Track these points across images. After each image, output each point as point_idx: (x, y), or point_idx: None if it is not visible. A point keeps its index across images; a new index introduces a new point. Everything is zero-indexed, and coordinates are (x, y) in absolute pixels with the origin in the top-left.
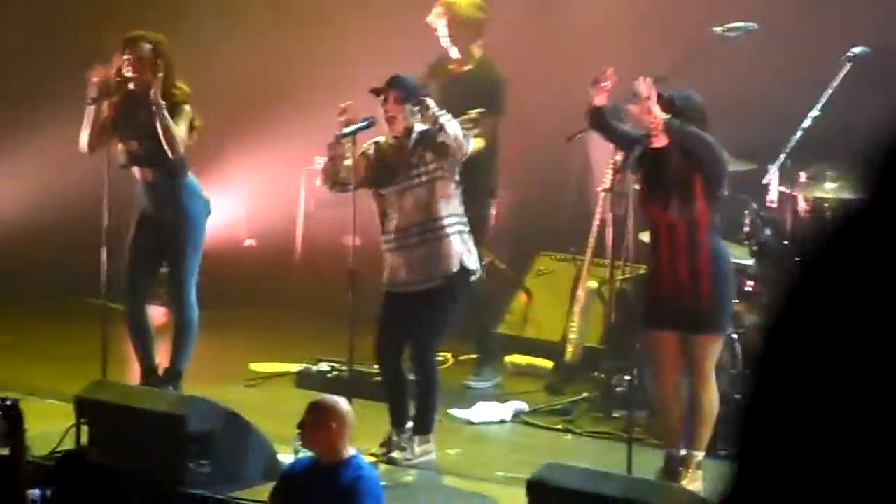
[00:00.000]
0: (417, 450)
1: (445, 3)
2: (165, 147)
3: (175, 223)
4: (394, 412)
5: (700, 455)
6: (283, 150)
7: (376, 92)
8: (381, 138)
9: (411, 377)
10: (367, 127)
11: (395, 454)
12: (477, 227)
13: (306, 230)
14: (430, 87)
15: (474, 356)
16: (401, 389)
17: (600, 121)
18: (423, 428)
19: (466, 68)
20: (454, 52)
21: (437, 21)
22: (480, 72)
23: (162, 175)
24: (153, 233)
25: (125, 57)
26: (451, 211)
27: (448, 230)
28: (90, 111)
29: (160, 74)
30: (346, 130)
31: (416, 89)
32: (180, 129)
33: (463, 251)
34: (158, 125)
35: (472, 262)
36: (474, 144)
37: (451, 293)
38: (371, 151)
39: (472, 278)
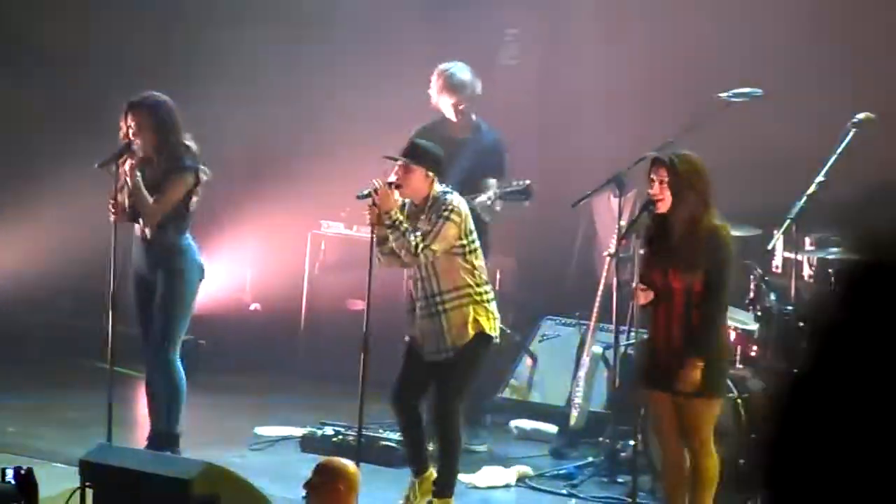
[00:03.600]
0: None
1: (440, 71)
2: (144, 208)
3: (165, 285)
4: (414, 460)
5: None
6: (288, 214)
7: (391, 159)
8: (407, 202)
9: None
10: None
11: None
12: None
13: (311, 294)
14: None
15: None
16: (419, 434)
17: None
18: (445, 492)
19: (465, 136)
20: (451, 117)
21: (435, 88)
22: (480, 139)
23: (157, 234)
24: (147, 292)
25: (129, 122)
26: (461, 283)
27: (455, 303)
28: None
29: (135, 145)
30: (365, 191)
31: (431, 156)
32: (173, 194)
33: (479, 319)
34: (131, 198)
35: (490, 328)
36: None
37: (468, 360)
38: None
39: (494, 342)
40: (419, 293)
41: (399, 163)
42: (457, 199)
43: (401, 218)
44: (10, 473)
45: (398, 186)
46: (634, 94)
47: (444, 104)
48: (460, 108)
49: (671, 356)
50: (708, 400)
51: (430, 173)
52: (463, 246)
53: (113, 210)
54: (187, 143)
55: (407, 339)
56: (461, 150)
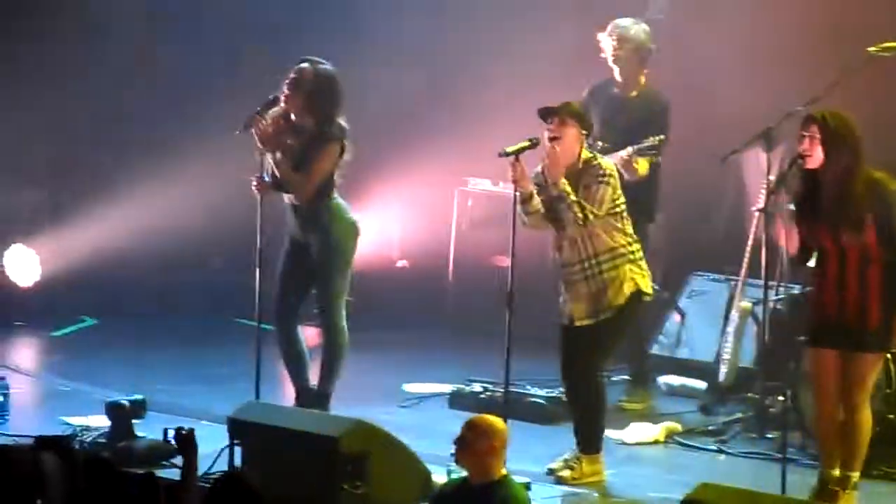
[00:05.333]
0: (587, 469)
1: (618, 25)
2: (291, 184)
3: (320, 246)
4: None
5: (856, 475)
6: (435, 170)
7: (545, 111)
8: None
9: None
10: (531, 147)
11: (564, 473)
12: None
13: (458, 251)
14: (592, 111)
15: (628, 377)
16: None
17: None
18: (592, 447)
19: (633, 94)
20: (619, 76)
21: (608, 42)
22: (646, 99)
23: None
24: (300, 255)
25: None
26: (615, 244)
27: (611, 264)
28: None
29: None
30: (508, 149)
31: (584, 117)
32: (321, 166)
33: (635, 278)
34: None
35: (645, 285)
36: (640, 169)
37: (620, 322)
38: (536, 180)
39: (646, 300)
40: (574, 257)
41: (555, 118)
42: (607, 162)
43: (568, 189)
44: (171, 433)
45: (555, 139)
46: (781, 49)
47: (610, 57)
48: (622, 61)
49: (845, 313)
50: (876, 355)
51: (584, 132)
52: (616, 207)
53: (257, 187)
54: (340, 120)
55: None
56: (626, 109)
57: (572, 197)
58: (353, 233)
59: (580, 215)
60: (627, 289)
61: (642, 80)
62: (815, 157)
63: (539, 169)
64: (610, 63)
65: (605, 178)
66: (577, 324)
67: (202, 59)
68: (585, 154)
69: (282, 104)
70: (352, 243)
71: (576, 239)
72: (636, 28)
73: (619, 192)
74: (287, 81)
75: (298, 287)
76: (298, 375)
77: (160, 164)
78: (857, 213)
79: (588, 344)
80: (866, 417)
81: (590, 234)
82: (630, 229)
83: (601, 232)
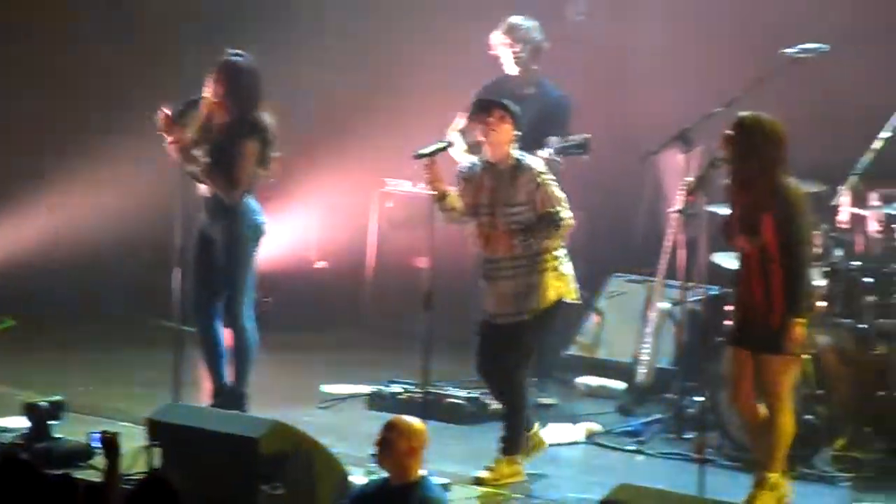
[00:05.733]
0: (505, 470)
1: (511, 24)
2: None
3: (223, 244)
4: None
5: (774, 476)
6: (354, 171)
7: (483, 106)
8: (478, 162)
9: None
10: (446, 149)
11: (483, 474)
12: None
13: (378, 252)
14: None
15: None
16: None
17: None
18: (512, 449)
19: (530, 91)
20: (516, 74)
21: (502, 41)
22: (544, 94)
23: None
24: (207, 249)
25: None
26: (547, 246)
27: (541, 266)
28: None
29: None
30: (422, 151)
31: (519, 117)
32: (245, 165)
33: (561, 283)
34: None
35: (570, 292)
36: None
37: (543, 324)
38: (468, 175)
39: (570, 303)
40: (498, 253)
41: (494, 113)
42: (537, 161)
43: (552, 210)
44: (95, 436)
45: (492, 132)
46: (701, 51)
47: (506, 57)
48: (521, 60)
49: (754, 313)
50: (785, 357)
51: (517, 132)
52: None
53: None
54: (262, 115)
55: (481, 314)
56: (524, 107)
57: (562, 214)
58: (257, 234)
59: (559, 226)
60: (553, 293)
61: (538, 76)
62: (734, 160)
63: (468, 165)
64: (505, 62)
65: (546, 178)
66: (499, 321)
67: (129, 58)
68: (514, 152)
69: (202, 105)
70: (253, 245)
71: (503, 236)
72: (528, 25)
73: None
74: (209, 76)
75: (209, 281)
76: (215, 373)
77: (82, 163)
78: (753, 215)
79: (508, 343)
80: (785, 419)
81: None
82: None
83: (545, 239)
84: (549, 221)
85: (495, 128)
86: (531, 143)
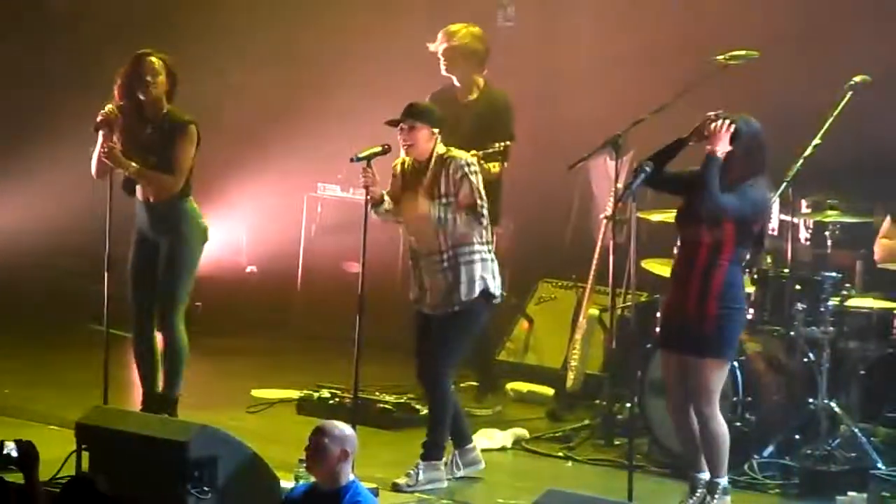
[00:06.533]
0: (422, 477)
1: (447, 32)
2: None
3: (168, 248)
4: (455, 432)
5: (723, 481)
6: (284, 176)
7: (393, 123)
8: (406, 159)
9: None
10: (383, 153)
11: (399, 479)
12: None
13: (308, 257)
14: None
15: (475, 384)
16: (455, 404)
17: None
18: (431, 455)
19: (473, 97)
20: (456, 81)
21: (439, 49)
22: (486, 101)
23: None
24: (150, 253)
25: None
26: (474, 240)
27: (468, 258)
28: (100, 136)
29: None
30: (360, 154)
31: (433, 114)
32: (185, 157)
33: (487, 276)
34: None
35: (495, 286)
36: (493, 168)
37: (470, 318)
38: (398, 171)
39: (495, 301)
40: (435, 247)
41: (404, 125)
42: (468, 156)
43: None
44: (10, 446)
45: (410, 147)
46: (631, 57)
47: (446, 67)
48: (462, 69)
49: (686, 316)
50: (716, 361)
51: (435, 130)
52: (482, 201)
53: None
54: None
55: (416, 309)
56: (469, 113)
57: (483, 211)
58: (203, 238)
59: (479, 217)
60: (478, 286)
61: (481, 82)
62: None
63: (399, 160)
64: (443, 71)
65: (473, 170)
66: (429, 311)
67: (55, 58)
68: (440, 149)
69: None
70: (200, 248)
71: (436, 230)
72: (465, 32)
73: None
74: (119, 77)
75: (149, 285)
76: (147, 379)
77: (9, 164)
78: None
79: (437, 338)
80: (717, 425)
81: (454, 226)
82: (490, 229)
83: (463, 224)
84: (471, 213)
85: (408, 138)
86: (473, 149)
